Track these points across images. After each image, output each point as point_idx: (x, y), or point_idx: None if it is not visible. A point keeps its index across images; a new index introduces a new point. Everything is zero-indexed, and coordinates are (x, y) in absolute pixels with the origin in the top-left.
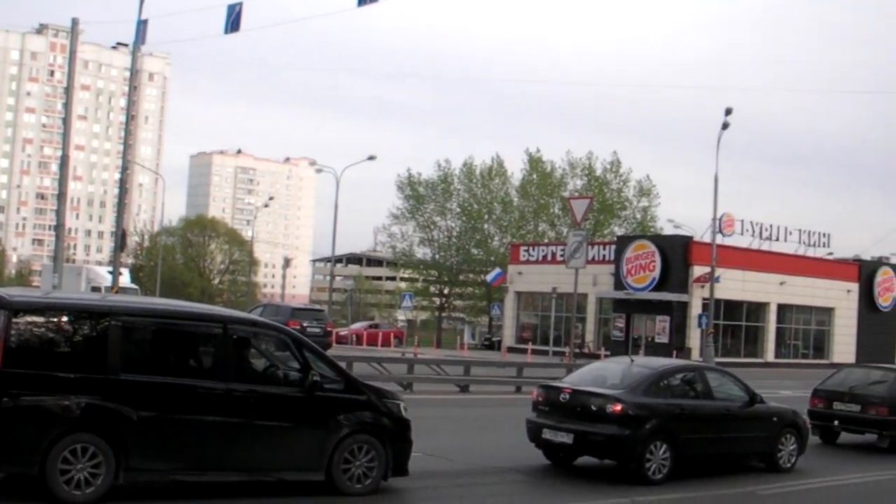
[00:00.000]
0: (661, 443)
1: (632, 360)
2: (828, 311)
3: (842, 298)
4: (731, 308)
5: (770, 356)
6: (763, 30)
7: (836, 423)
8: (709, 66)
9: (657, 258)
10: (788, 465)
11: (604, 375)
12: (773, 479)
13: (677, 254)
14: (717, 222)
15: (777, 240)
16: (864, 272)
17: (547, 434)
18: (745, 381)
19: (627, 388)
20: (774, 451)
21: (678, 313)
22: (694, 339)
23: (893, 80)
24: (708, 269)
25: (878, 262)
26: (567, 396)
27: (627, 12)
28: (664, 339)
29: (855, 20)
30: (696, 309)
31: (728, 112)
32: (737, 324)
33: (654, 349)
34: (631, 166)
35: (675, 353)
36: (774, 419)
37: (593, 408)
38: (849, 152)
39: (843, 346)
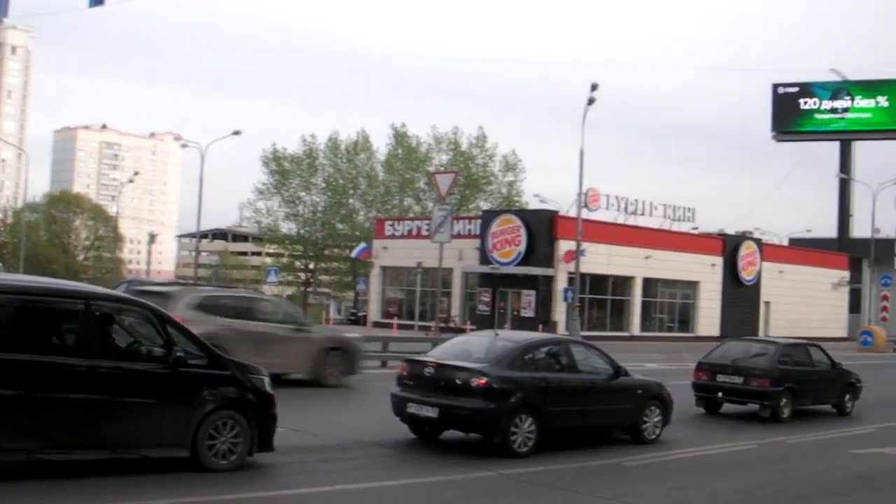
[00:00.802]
0: (526, 416)
1: (496, 334)
2: (692, 285)
3: (706, 272)
4: (597, 282)
5: (636, 329)
6: (631, 4)
7: (720, 394)
8: (577, 39)
9: (523, 233)
10: (653, 436)
11: (468, 349)
12: (638, 450)
13: (543, 228)
14: (583, 197)
15: (642, 214)
16: (729, 246)
17: (412, 408)
18: (611, 355)
19: (492, 361)
20: (639, 423)
21: (544, 287)
22: (560, 312)
23: (759, 57)
24: (573, 244)
25: (742, 237)
26: (432, 370)
27: None
28: (530, 314)
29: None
30: (561, 283)
31: (594, 87)
32: (602, 297)
33: (521, 323)
34: (497, 141)
35: (541, 326)
36: (639, 391)
37: (458, 382)
38: (714, 127)
39: (708, 318)
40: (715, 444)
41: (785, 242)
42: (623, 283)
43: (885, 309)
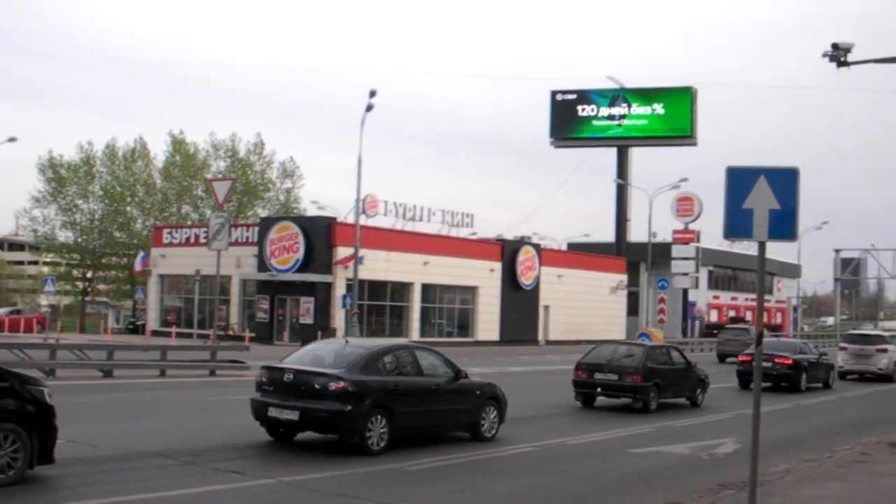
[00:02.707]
0: (380, 417)
1: (347, 342)
2: (471, 290)
3: (485, 277)
4: (376, 288)
5: (415, 335)
6: (407, 12)
7: (598, 389)
8: (355, 47)
9: (301, 239)
10: (490, 434)
11: (321, 356)
12: (468, 448)
13: (321, 235)
14: (361, 203)
15: (421, 220)
16: (508, 251)
17: (273, 412)
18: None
19: (347, 367)
20: (478, 422)
21: (322, 294)
22: (339, 319)
23: (534, 64)
24: (352, 250)
25: (521, 242)
26: (291, 376)
27: None
28: (309, 320)
29: (494, 7)
30: (340, 289)
31: (372, 94)
32: (381, 304)
33: (300, 330)
34: (275, 148)
35: (320, 333)
36: (477, 392)
37: (317, 386)
38: (494, 134)
39: (487, 323)
40: (542, 440)
41: (564, 247)
42: (402, 288)
43: (661, 311)
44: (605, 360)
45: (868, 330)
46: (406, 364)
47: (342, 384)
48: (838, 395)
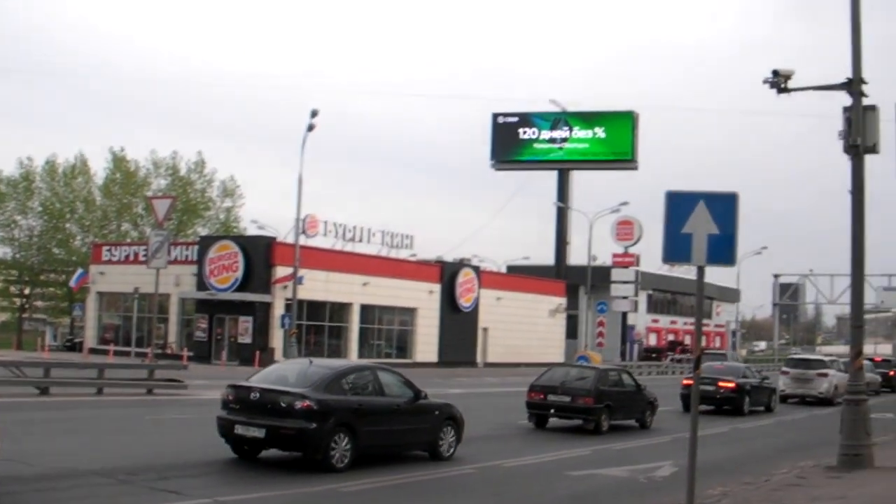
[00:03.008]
0: (343, 435)
1: (311, 362)
2: (411, 312)
3: (424, 299)
4: (315, 308)
5: (354, 356)
6: (354, 32)
7: (552, 411)
8: (296, 64)
9: (240, 259)
10: (448, 454)
11: (286, 375)
12: (420, 467)
13: (260, 254)
14: (301, 223)
15: (360, 241)
16: (447, 273)
17: (239, 429)
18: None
19: (311, 386)
20: (437, 441)
21: (261, 314)
22: (277, 339)
23: (476, 86)
24: (291, 270)
25: (461, 264)
26: (258, 395)
27: (218, 14)
28: (247, 340)
29: (436, 27)
30: (279, 309)
31: (314, 114)
32: (320, 324)
33: (238, 350)
34: (216, 166)
35: (258, 353)
36: (436, 412)
37: (282, 404)
38: (434, 155)
39: (426, 345)
40: (493, 460)
41: (503, 270)
42: (341, 309)
43: (601, 334)
44: (558, 382)
45: (809, 354)
46: (368, 384)
47: (307, 402)
48: (778, 419)
